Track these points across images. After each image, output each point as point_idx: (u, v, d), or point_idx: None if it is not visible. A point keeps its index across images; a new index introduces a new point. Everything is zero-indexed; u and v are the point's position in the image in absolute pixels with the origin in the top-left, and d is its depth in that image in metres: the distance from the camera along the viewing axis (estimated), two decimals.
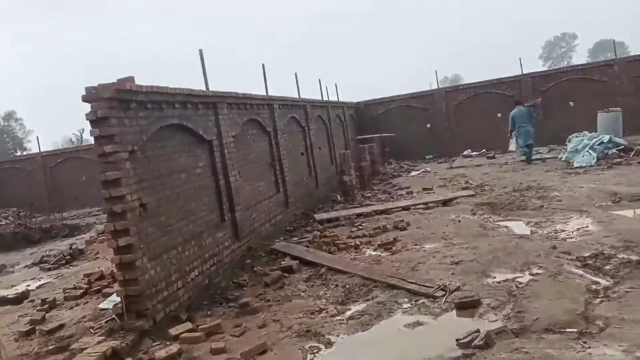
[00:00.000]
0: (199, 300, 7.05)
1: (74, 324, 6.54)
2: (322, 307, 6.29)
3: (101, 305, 6.95)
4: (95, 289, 7.87)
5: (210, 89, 8.68)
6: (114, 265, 6.08)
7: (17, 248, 14.32)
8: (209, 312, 6.65)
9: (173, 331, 5.90)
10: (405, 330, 5.41)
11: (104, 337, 5.61)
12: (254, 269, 8.14)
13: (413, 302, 6.07)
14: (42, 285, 9.20)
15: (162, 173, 6.88)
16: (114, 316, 6.03)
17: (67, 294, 7.78)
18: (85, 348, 5.34)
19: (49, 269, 10.45)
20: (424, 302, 6.00)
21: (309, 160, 14.45)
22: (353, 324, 5.71)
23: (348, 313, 6.03)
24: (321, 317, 5.98)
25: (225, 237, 8.39)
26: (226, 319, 6.31)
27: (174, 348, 5.47)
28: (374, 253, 8.37)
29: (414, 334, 5.33)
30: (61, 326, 6.46)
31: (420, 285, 6.41)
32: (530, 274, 6.29)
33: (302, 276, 7.57)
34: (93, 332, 6.08)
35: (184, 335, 5.78)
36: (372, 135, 21.70)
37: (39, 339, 6.18)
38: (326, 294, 6.77)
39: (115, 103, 5.91)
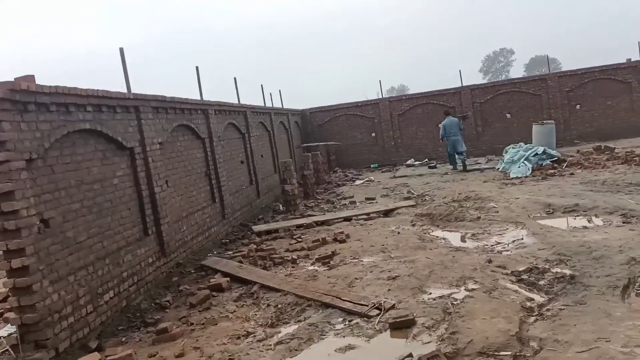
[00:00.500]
0: (114, 324, 6.35)
1: None
2: (249, 330, 5.75)
3: (3, 331, 6.12)
4: None
5: (133, 92, 8.01)
6: (7, 290, 5.32)
7: None
8: (123, 339, 5.96)
9: None
10: (336, 356, 4.94)
11: None
12: (180, 288, 7.50)
13: (347, 323, 5.62)
14: None
15: (70, 184, 6.16)
16: (7, 348, 5.27)
17: None
18: None
19: None
20: (357, 323, 5.56)
21: (250, 168, 13.87)
22: (281, 349, 5.19)
23: (277, 337, 5.50)
24: (247, 343, 5.43)
25: (149, 253, 7.70)
26: (141, 347, 5.66)
27: None
28: (311, 268, 7.89)
29: None
30: None
31: (354, 303, 5.97)
32: (466, 289, 5.98)
33: (232, 295, 6.99)
34: (6, 358, 5.30)
35: None
36: (317, 143, 21.33)
37: None
38: (256, 314, 6.22)
39: (8, 105, 5.19)
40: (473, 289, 5.93)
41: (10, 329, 5.90)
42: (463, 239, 8.45)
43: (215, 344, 5.48)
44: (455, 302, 5.61)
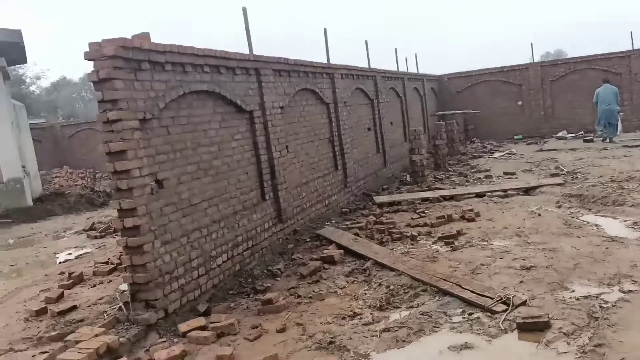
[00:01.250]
0: (225, 288, 6.29)
1: (88, 306, 6.01)
2: (356, 310, 5.29)
3: (121, 287, 6.38)
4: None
5: (254, 53, 7.79)
6: (121, 249, 5.42)
7: (78, 210, 14.19)
8: (232, 304, 5.86)
9: (183, 327, 5.17)
10: (449, 355, 4.28)
11: (104, 329, 4.97)
12: (293, 256, 7.27)
13: (466, 316, 4.90)
14: (81, 255, 8.88)
15: (186, 146, 6.11)
16: (121, 304, 5.40)
17: (96, 269, 7.31)
18: (80, 341, 4.72)
19: (95, 237, 10.15)
20: (478, 318, 4.81)
21: (377, 136, 13.27)
22: (387, 338, 4.66)
23: (384, 322, 4.97)
24: (351, 325, 4.98)
25: (265, 219, 7.56)
26: (246, 315, 5.50)
27: (176, 349, 4.71)
28: (431, 247, 7.18)
29: None
30: (73, 308, 5.94)
31: (477, 294, 5.20)
32: (621, 291, 4.90)
33: (344, 269, 6.58)
34: (105, 317, 5.50)
35: (192, 333, 5.02)
36: (454, 112, 20.02)
37: (47, 320, 5.70)
38: (365, 294, 5.74)
39: (120, 62, 5.14)
40: (630, 291, 4.84)
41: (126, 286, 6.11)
42: (622, 228, 7.09)
43: (318, 322, 5.11)
44: (604, 306, 4.61)
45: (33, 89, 44.90)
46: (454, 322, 4.82)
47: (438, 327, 4.76)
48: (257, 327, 5.11)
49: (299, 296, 5.84)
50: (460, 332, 4.62)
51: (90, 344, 4.61)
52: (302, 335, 4.88)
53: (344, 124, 10.81)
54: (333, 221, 9.12)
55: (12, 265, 8.59)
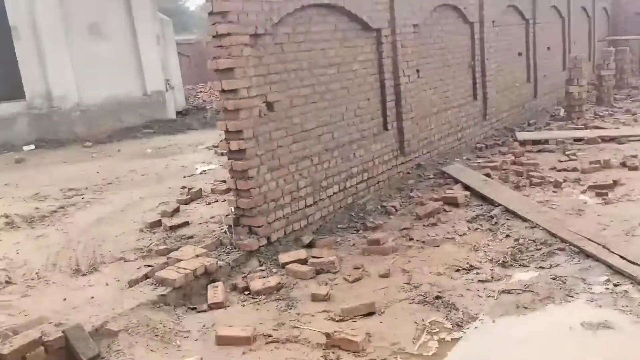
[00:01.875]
0: (334, 221, 5.95)
1: (199, 223, 6.06)
2: (474, 263, 4.64)
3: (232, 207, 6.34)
4: None
5: None
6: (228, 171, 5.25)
7: (213, 126, 14.39)
8: (338, 239, 5.52)
9: (284, 257, 4.96)
10: (581, 333, 3.51)
11: (205, 250, 4.92)
12: (411, 193, 6.66)
13: (610, 287, 4.02)
14: (206, 170, 9.11)
15: (302, 66, 5.63)
16: (225, 228, 5.30)
17: (214, 187, 7.39)
18: (182, 259, 4.72)
19: (222, 154, 10.30)
20: (626, 291, 3.91)
21: (528, 62, 11.64)
22: (505, 301, 3.99)
23: (505, 282, 4.28)
24: (466, 280, 4.36)
25: (385, 150, 6.96)
26: (350, 253, 5.12)
27: (272, 280, 4.53)
28: (579, 197, 6.11)
29: (593, 344, 3.41)
30: (185, 224, 6.03)
31: (629, 261, 4.23)
32: None
33: (467, 214, 5.85)
34: (211, 237, 5.48)
35: (291, 266, 4.78)
36: (629, 37, 17.02)
37: (160, 233, 5.86)
38: (488, 245, 5.02)
39: None
40: None
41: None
42: None
43: (427, 271, 4.56)
44: None
45: (188, 5, 47.28)
46: (593, 293, 3.97)
47: (572, 297, 3.96)
48: (359, 269, 4.72)
49: (411, 239, 5.30)
50: (600, 306, 3.80)
51: (190, 264, 4.57)
52: (406, 284, 4.39)
53: (489, 48, 9.51)
54: (464, 157, 8.23)
55: (143, 175, 9.10)
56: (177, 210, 6.52)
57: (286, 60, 5.44)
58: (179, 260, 4.71)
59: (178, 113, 15.77)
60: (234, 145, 4.94)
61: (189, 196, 7.04)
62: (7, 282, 4.79)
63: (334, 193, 6.06)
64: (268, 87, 5.23)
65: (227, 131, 4.97)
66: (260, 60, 5.12)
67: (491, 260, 4.68)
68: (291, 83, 5.51)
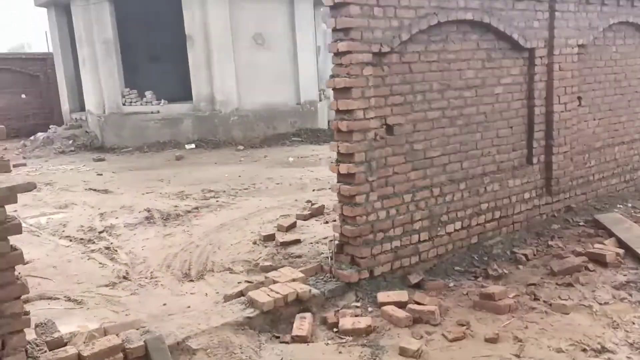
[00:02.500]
0: (452, 262, 5.32)
1: (311, 242, 5.88)
2: (609, 345, 3.74)
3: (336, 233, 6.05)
4: None
5: None
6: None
7: None
8: (451, 284, 4.90)
9: (382, 296, 4.52)
10: None
11: (303, 275, 4.70)
12: (551, 242, 5.71)
13: None
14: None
15: (431, 87, 5.13)
16: (329, 253, 5.02)
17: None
18: (277, 281, 4.55)
19: None
20: None
21: None
22: None
23: None
24: None
25: (526, 188, 6.09)
26: (459, 305, 4.49)
27: (363, 322, 4.12)
28: None
29: None
30: (297, 241, 5.89)
31: None
32: None
33: (616, 278, 4.81)
34: (317, 260, 5.26)
35: (387, 308, 4.32)
36: None
37: (270, 248, 5.79)
38: (634, 322, 4.03)
39: None
40: None
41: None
42: None
43: (545, 345, 3.78)
44: None
45: None
46: None
47: None
48: (463, 326, 4.09)
49: (536, 299, 4.48)
50: None
51: (283, 288, 4.37)
52: (515, 356, 3.67)
53: None
54: (629, 205, 6.91)
55: (278, 184, 9.25)
56: (293, 225, 6.43)
57: (413, 80, 5.00)
58: (275, 282, 4.56)
59: (329, 123, 16.08)
60: (343, 169, 4.64)
61: (309, 212, 6.92)
62: (124, 277, 5.09)
63: (455, 230, 5.44)
64: (389, 109, 4.85)
65: (339, 153, 4.70)
66: (382, 80, 4.76)
67: (632, 344, 3.73)
68: (417, 106, 5.05)
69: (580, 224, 6.23)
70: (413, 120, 5.04)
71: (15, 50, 47.42)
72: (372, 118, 4.67)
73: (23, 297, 4.46)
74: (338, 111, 4.64)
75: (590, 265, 5.00)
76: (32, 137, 15.47)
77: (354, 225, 4.71)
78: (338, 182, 4.78)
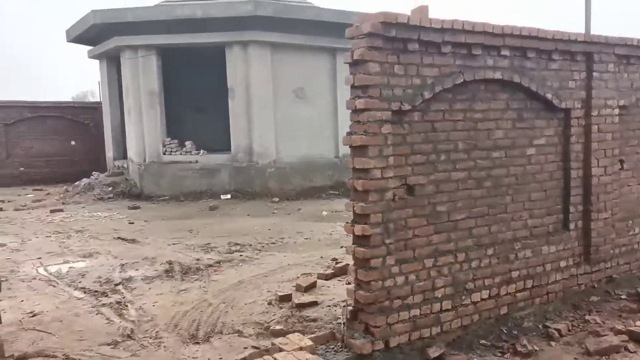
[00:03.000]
0: (477, 334, 4.92)
1: (328, 305, 5.59)
2: None
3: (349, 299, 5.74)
4: None
5: (588, 32, 5.84)
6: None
7: None
8: (475, 359, 4.51)
9: None
10: None
11: (312, 344, 4.42)
12: (589, 316, 5.23)
13: None
14: None
15: (457, 147, 4.91)
16: (343, 319, 4.73)
17: None
18: (283, 350, 4.28)
19: None
20: None
21: None
22: None
23: None
24: None
25: (562, 255, 5.67)
26: None
27: None
28: None
29: None
30: (313, 303, 5.62)
31: None
32: None
33: None
34: (332, 326, 4.98)
35: None
36: None
37: (285, 310, 5.53)
38: None
39: (379, 41, 4.31)
40: None
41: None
42: None
43: None
44: None
45: None
46: None
47: None
48: None
49: None
50: None
51: (287, 358, 4.10)
52: None
53: None
54: None
55: (306, 239, 9.05)
56: (313, 285, 6.18)
57: (437, 139, 4.80)
58: (281, 350, 4.29)
59: None
60: (358, 230, 4.42)
61: (332, 271, 6.66)
62: (128, 335, 4.89)
63: (482, 299, 5.05)
64: (410, 169, 4.63)
65: (354, 213, 4.49)
66: (403, 138, 4.57)
67: None
68: (440, 166, 4.82)
69: (622, 297, 5.71)
70: (436, 181, 4.80)
71: (80, 97, 50.23)
72: (390, 177, 4.47)
73: (20, 353, 4.42)
74: (354, 169, 4.47)
75: (631, 346, 4.50)
76: (76, 183, 15.97)
77: (368, 291, 4.42)
78: (353, 243, 4.55)
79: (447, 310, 4.82)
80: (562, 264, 5.68)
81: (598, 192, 5.87)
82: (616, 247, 6.14)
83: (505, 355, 4.58)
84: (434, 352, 4.53)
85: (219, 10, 14.06)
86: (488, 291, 5.10)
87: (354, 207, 4.46)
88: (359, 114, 4.39)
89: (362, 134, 4.35)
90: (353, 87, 4.46)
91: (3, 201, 14.20)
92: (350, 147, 4.50)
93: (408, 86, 4.53)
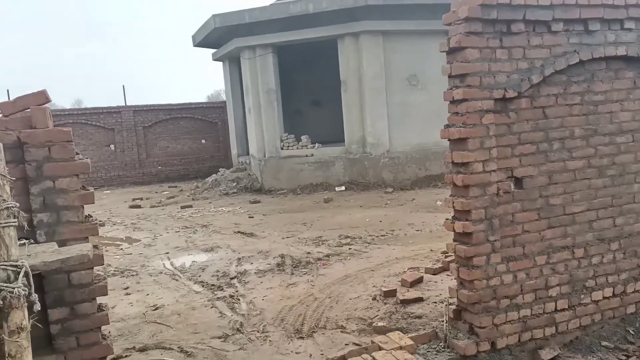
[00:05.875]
0: (599, 335, 4.50)
1: (434, 302, 5.44)
2: None
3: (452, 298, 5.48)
4: None
5: None
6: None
7: None
8: None
9: None
10: None
11: (412, 343, 4.32)
12: None
13: None
14: None
15: (572, 134, 4.47)
16: (446, 317, 4.56)
17: None
18: (382, 349, 4.25)
19: None
20: None
21: None
22: None
23: None
24: None
25: None
26: None
27: None
28: None
29: None
30: (419, 299, 5.49)
31: None
32: None
33: None
34: (437, 323, 4.85)
35: None
36: None
37: (390, 305, 5.46)
38: None
39: (478, 26, 4.05)
40: None
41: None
42: None
43: None
44: None
45: None
46: None
47: None
48: None
49: None
50: None
51: (386, 358, 4.06)
52: None
53: None
54: None
55: (417, 230, 8.85)
56: (420, 280, 6.04)
57: (549, 127, 4.41)
58: (380, 348, 4.26)
59: None
60: (459, 227, 4.22)
61: (441, 265, 6.46)
62: (238, 329, 5.10)
63: (604, 298, 4.59)
64: (517, 160, 4.32)
65: (455, 210, 4.30)
66: (509, 127, 4.27)
67: None
68: (553, 155, 4.43)
69: None
70: (548, 172, 4.43)
71: (215, 96, 53.73)
72: (493, 170, 4.20)
73: (141, 345, 4.85)
74: (454, 164, 4.27)
75: None
76: (205, 180, 17.18)
77: (472, 290, 4.23)
78: (454, 240, 4.37)
79: (563, 309, 4.46)
80: None
81: None
82: None
83: (631, 359, 4.12)
84: (547, 354, 4.23)
85: (330, 3, 14.16)
86: (612, 289, 4.63)
87: (453, 203, 4.28)
88: (458, 105, 4.20)
89: (460, 126, 4.14)
90: (450, 76, 4.26)
91: (142, 198, 15.70)
92: (448, 140, 4.32)
93: (513, 71, 4.21)
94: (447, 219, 4.38)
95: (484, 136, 4.15)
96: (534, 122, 4.37)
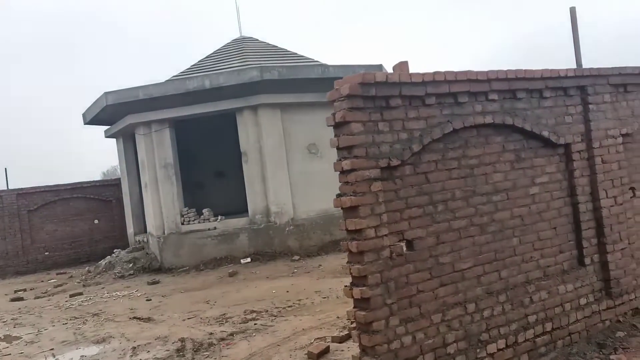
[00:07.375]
0: None
1: None
2: None
3: None
4: None
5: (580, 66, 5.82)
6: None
7: None
8: None
9: None
10: None
11: None
12: (613, 356, 4.91)
13: None
14: None
15: (453, 196, 4.82)
16: None
17: None
18: None
19: None
20: None
21: None
22: None
23: None
24: None
25: (581, 292, 5.43)
26: None
27: None
28: None
29: None
30: None
31: None
32: None
33: None
34: None
35: None
36: None
37: None
38: None
39: (359, 102, 4.34)
40: None
41: None
42: None
43: None
44: None
45: None
46: None
47: None
48: None
49: None
50: None
51: None
52: None
53: None
54: None
55: (324, 297, 8.86)
56: (326, 350, 5.98)
57: (432, 190, 4.72)
58: None
59: None
60: (357, 293, 4.30)
61: (347, 332, 6.46)
62: None
63: (498, 349, 4.82)
64: (406, 223, 4.55)
65: (351, 275, 4.39)
66: (396, 193, 4.52)
67: None
68: (439, 216, 4.73)
69: None
70: (435, 232, 4.70)
71: (111, 172, 51.25)
72: (385, 235, 4.38)
73: None
74: (348, 231, 4.40)
75: None
76: (98, 263, 16.11)
77: (374, 357, 4.26)
78: (354, 307, 4.42)
79: None
80: (582, 301, 5.43)
81: (610, 223, 5.67)
82: (638, 277, 5.86)
83: None
84: None
85: (227, 78, 14.41)
86: (504, 340, 4.87)
87: (350, 269, 4.37)
88: (347, 175, 4.37)
89: (351, 195, 4.31)
90: (339, 148, 4.46)
91: (25, 290, 14.31)
92: (341, 208, 4.46)
93: (395, 141, 4.51)
94: (346, 286, 4.45)
95: (374, 203, 4.34)
96: (419, 187, 4.66)
